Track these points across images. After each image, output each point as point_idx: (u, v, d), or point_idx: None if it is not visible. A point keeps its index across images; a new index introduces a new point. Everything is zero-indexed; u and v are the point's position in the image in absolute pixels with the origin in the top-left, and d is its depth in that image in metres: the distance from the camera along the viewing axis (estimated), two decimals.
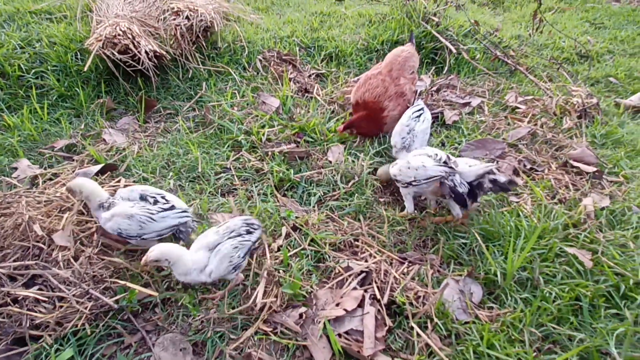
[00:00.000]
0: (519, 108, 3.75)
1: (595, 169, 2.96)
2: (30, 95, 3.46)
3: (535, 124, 3.51)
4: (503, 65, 4.52)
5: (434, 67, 4.39)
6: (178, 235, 2.12)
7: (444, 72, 4.32)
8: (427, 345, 1.88)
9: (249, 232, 2.05)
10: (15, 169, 2.84)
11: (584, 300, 2.01)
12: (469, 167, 2.35)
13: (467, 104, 3.77)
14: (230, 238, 2.00)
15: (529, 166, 3.06)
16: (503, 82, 4.17)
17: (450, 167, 2.31)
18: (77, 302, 1.84)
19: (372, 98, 3.10)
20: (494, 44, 4.70)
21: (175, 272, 1.95)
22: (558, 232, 2.37)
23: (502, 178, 2.32)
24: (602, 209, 2.58)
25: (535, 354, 1.84)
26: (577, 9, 6.54)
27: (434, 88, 3.99)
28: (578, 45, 5.02)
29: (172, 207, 2.11)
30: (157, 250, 1.87)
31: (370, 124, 3.12)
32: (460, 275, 2.20)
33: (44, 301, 1.84)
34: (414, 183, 2.41)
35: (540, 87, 4.03)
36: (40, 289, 1.85)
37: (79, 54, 3.76)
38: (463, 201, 2.32)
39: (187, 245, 2.09)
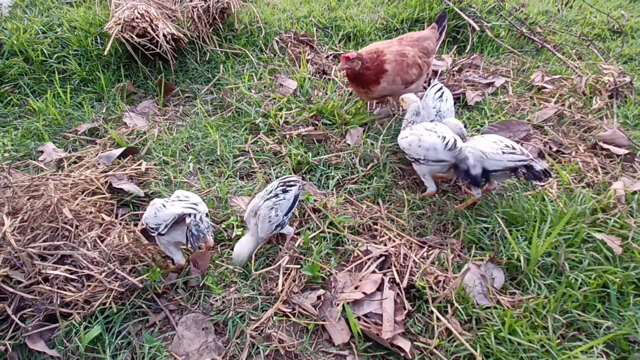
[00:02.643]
0: (545, 88, 3.60)
1: (626, 151, 2.83)
2: (54, 79, 3.53)
3: (563, 105, 3.37)
4: (529, 43, 4.32)
5: (455, 46, 4.23)
6: (189, 237, 1.99)
7: (467, 51, 4.16)
8: (447, 329, 1.87)
9: (284, 191, 2.17)
10: (42, 152, 2.92)
11: (612, 287, 1.95)
12: (502, 153, 2.24)
13: (491, 84, 3.64)
14: (267, 200, 2.14)
15: (555, 148, 2.95)
16: (529, 60, 4.00)
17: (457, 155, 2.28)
18: (106, 280, 1.91)
19: (372, 49, 2.95)
20: (519, 20, 4.48)
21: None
22: (585, 217, 2.29)
23: (537, 166, 2.21)
24: (634, 193, 2.47)
25: (559, 340, 1.81)
26: None
27: (456, 68, 3.86)
28: (611, 20, 4.74)
29: (185, 200, 2.08)
30: (238, 254, 2.14)
31: (369, 68, 2.86)
32: (482, 260, 2.16)
33: (73, 280, 1.91)
34: (422, 161, 2.39)
35: (568, 65, 3.84)
36: (69, 269, 1.92)
37: (98, 38, 3.79)
38: (477, 183, 2.30)
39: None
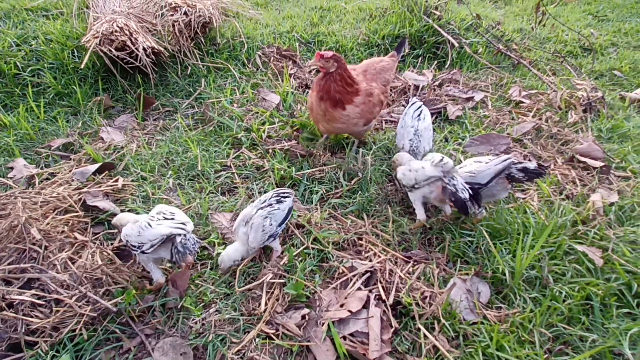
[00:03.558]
0: (523, 102, 3.69)
1: (602, 164, 2.90)
2: (27, 93, 3.40)
3: (540, 119, 3.45)
4: (506, 59, 4.44)
5: (435, 62, 4.32)
6: (175, 255, 1.95)
7: (446, 66, 4.25)
8: (435, 347, 1.83)
9: (279, 202, 2.15)
10: (12, 168, 2.79)
11: (595, 299, 1.96)
12: (485, 163, 2.28)
13: (470, 98, 3.71)
14: (261, 209, 2.11)
15: (534, 161, 3.00)
16: (506, 76, 4.11)
17: (443, 168, 2.24)
18: (76, 305, 1.79)
19: (351, 69, 2.75)
20: (496, 37, 4.62)
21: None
22: (566, 229, 2.31)
23: (530, 165, 2.24)
24: (611, 204, 2.53)
25: (546, 355, 1.79)
26: (580, 2, 6.45)
27: (436, 83, 3.92)
28: (581, 38, 4.94)
29: (172, 219, 2.00)
30: (224, 259, 2.09)
31: (343, 78, 2.63)
32: (467, 274, 2.15)
33: (40, 305, 1.79)
34: (416, 186, 2.35)
35: (544, 80, 3.96)
36: (36, 293, 1.80)
37: (75, 51, 3.70)
38: (464, 208, 2.21)
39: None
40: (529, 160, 2.94)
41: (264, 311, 1.95)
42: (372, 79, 2.87)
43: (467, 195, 2.20)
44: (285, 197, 2.21)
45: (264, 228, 2.09)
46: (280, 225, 2.16)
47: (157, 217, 1.98)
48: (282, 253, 2.24)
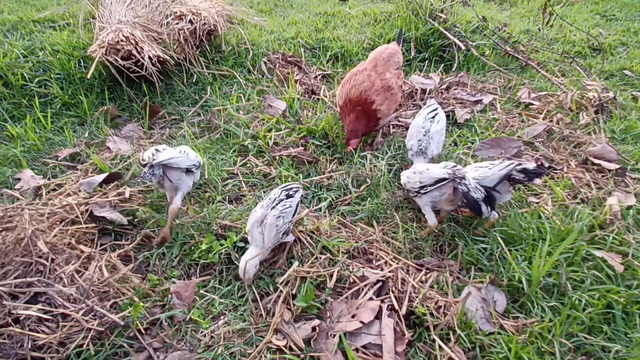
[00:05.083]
0: (532, 104, 3.63)
1: (617, 166, 2.83)
2: (34, 104, 3.41)
3: (551, 121, 3.38)
4: (513, 60, 4.39)
5: (442, 65, 4.27)
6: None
7: (453, 69, 4.20)
8: (451, 358, 1.76)
9: (288, 197, 2.16)
10: (19, 179, 2.78)
11: (617, 307, 1.89)
12: (488, 169, 2.24)
13: (479, 101, 3.65)
14: (272, 208, 2.12)
15: (547, 164, 2.94)
16: (514, 78, 4.05)
17: (455, 172, 2.17)
18: (83, 319, 1.76)
19: (357, 94, 2.88)
20: (503, 39, 4.57)
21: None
22: (583, 234, 2.24)
23: (530, 165, 2.19)
24: (629, 208, 2.45)
25: None
26: (587, 1, 6.38)
27: (444, 86, 3.87)
28: (590, 38, 4.87)
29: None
30: (249, 268, 2.05)
31: (366, 122, 2.90)
32: (482, 282, 2.08)
33: (47, 320, 1.76)
34: (422, 191, 2.29)
35: (553, 82, 3.90)
36: (42, 308, 1.77)
37: (82, 61, 3.71)
38: (477, 208, 2.14)
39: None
40: (541, 163, 2.88)
41: (274, 322, 1.90)
42: (384, 70, 3.03)
43: (480, 196, 2.14)
44: (295, 191, 2.22)
45: (277, 227, 2.08)
46: (290, 221, 2.15)
47: (161, 150, 2.33)
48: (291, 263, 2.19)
